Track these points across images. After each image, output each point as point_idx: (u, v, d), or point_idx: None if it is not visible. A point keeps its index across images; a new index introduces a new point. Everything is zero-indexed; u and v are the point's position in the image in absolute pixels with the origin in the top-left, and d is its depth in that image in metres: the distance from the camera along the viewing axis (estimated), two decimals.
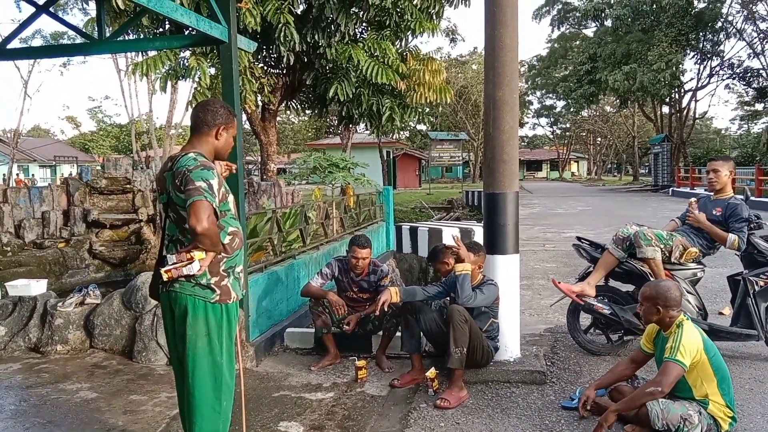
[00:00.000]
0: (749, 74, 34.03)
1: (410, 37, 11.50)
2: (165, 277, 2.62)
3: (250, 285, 5.02)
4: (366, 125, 12.62)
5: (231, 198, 2.84)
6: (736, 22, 32.52)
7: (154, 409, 3.94)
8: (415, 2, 10.66)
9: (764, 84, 33.41)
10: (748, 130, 56.53)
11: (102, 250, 7.87)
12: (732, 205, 4.61)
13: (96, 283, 6.16)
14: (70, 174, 33.46)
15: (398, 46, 11.25)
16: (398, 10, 10.38)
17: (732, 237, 4.54)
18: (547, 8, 41.01)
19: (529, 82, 54.38)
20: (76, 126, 65.12)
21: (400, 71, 10.55)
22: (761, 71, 32.88)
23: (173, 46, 7.47)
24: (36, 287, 5.48)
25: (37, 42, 37.59)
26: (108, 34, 5.54)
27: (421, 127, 41.73)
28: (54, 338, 5.12)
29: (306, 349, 5.22)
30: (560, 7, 40.51)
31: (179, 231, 2.72)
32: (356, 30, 10.66)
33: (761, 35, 31.44)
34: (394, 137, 33.34)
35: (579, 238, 5.14)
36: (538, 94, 58.85)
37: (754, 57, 32.81)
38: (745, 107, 47.95)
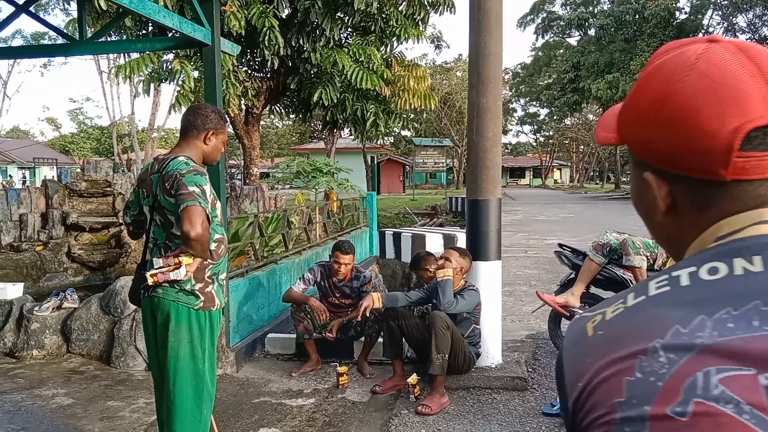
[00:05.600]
0: None
1: (395, 43, 11.51)
2: (150, 281, 2.58)
3: (231, 290, 4.97)
4: (350, 130, 12.60)
5: (219, 205, 2.82)
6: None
7: (132, 415, 3.88)
8: (400, 8, 10.68)
9: None
10: None
11: (81, 254, 7.74)
12: None
13: (74, 287, 6.05)
14: (53, 176, 33.02)
15: (383, 52, 11.25)
16: (383, 15, 10.39)
17: None
18: (532, 17, 41.48)
19: (513, 90, 54.78)
20: (56, 128, 64.32)
21: (385, 77, 10.55)
22: None
23: (156, 48, 7.41)
24: (12, 291, 5.39)
25: (17, 42, 37.28)
26: (90, 35, 5.48)
27: (406, 133, 41.88)
28: (30, 343, 5.03)
29: (287, 354, 5.19)
30: (545, 15, 40.99)
31: (166, 235, 2.69)
32: (341, 35, 10.64)
33: None
34: (378, 143, 33.38)
35: (561, 245, 5.17)
36: (522, 101, 59.36)
37: None
38: None
